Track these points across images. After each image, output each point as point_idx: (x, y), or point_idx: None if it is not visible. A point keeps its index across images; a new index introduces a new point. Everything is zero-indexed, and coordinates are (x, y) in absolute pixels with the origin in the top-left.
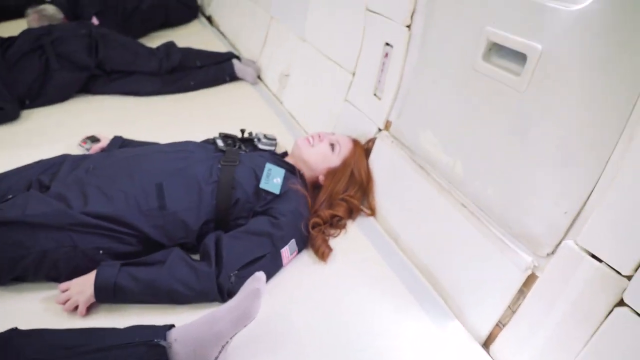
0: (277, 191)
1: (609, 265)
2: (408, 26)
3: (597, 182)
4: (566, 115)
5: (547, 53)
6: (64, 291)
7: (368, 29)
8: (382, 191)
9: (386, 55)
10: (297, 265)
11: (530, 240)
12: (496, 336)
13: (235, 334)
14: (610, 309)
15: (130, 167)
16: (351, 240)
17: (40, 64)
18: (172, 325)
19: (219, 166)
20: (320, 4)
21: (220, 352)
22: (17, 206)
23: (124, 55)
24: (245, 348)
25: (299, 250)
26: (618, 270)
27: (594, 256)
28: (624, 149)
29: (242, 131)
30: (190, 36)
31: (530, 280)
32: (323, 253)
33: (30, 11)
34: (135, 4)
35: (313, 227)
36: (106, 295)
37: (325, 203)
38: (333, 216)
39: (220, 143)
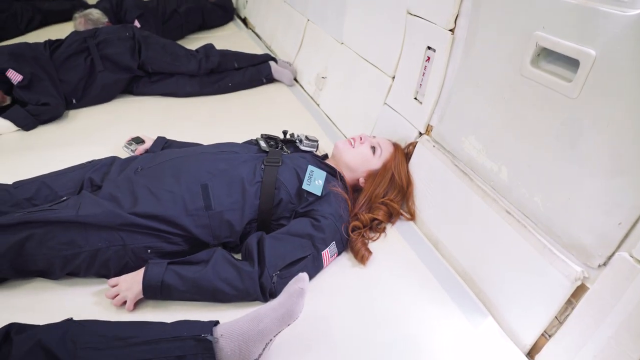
0: (319, 193)
1: None
2: (451, 30)
3: None
4: (620, 123)
5: (601, 59)
6: (113, 286)
7: (409, 32)
8: (422, 195)
9: (428, 59)
10: (337, 268)
11: (580, 251)
12: (542, 347)
13: (279, 332)
14: None
15: (176, 168)
16: (391, 244)
17: (85, 65)
18: (218, 322)
19: (263, 167)
20: (358, 7)
21: (264, 349)
22: (71, 207)
23: (165, 57)
24: (285, 346)
25: (339, 253)
26: None
27: None
28: None
29: (285, 132)
30: (226, 38)
31: (579, 291)
32: (363, 256)
33: (77, 15)
34: (173, 8)
35: (353, 231)
36: (153, 292)
37: (365, 206)
38: (373, 219)
39: (263, 144)
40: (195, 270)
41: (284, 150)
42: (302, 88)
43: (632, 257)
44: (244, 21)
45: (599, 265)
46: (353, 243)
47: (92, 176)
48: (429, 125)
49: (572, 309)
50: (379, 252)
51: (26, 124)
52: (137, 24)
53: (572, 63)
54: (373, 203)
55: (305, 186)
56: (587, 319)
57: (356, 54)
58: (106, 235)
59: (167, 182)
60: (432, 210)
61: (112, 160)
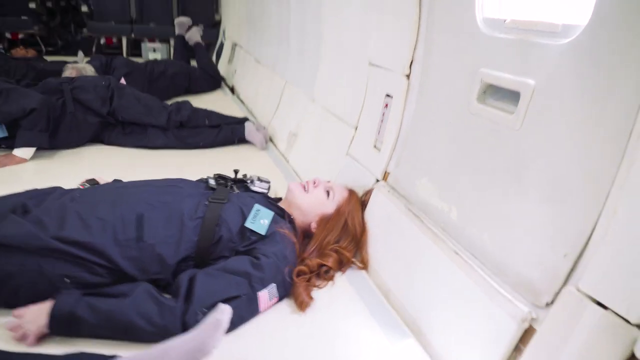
0: (263, 232)
1: (616, 313)
2: (407, 76)
3: (598, 219)
4: (562, 150)
5: (540, 89)
6: (17, 317)
7: (370, 83)
8: (376, 243)
9: (386, 106)
10: (274, 312)
11: (528, 289)
12: None
13: None
14: None
15: (115, 196)
16: (338, 293)
17: (57, 105)
18: (118, 356)
19: (207, 203)
20: (328, 64)
21: None
22: None
23: (136, 107)
24: None
25: (280, 298)
26: (626, 318)
27: (599, 303)
28: (622, 181)
29: (236, 172)
30: (211, 102)
31: (528, 335)
32: (302, 302)
33: (69, 65)
34: (161, 70)
35: (298, 275)
36: (60, 325)
37: (315, 252)
38: (321, 265)
39: (212, 182)
40: (111, 302)
41: (233, 190)
42: (275, 146)
43: (579, 291)
44: (232, 89)
45: (547, 304)
46: (295, 287)
47: (26, 202)
48: (386, 172)
49: (521, 356)
50: (324, 300)
51: (39, 140)
52: (123, 81)
53: (514, 96)
54: (324, 249)
55: (248, 224)
56: None
57: (325, 109)
58: (21, 259)
59: (101, 209)
60: (385, 258)
61: (54, 189)
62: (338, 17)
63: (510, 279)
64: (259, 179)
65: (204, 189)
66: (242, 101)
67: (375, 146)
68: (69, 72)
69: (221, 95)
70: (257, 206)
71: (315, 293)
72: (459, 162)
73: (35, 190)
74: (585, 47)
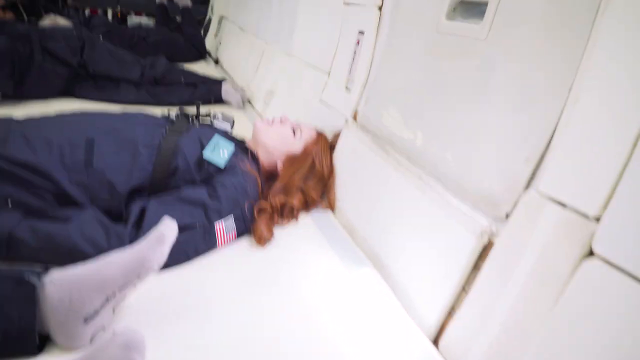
0: (221, 164)
1: (574, 210)
2: (380, 7)
3: (559, 120)
4: (527, 52)
5: None
6: None
7: (344, 23)
8: (344, 184)
9: (358, 43)
10: (231, 247)
11: (488, 203)
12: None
13: (127, 285)
14: (578, 262)
15: (64, 121)
16: (300, 231)
17: (23, 52)
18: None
19: (163, 132)
20: (305, 15)
21: (102, 305)
22: None
23: (108, 60)
24: (142, 314)
25: (239, 233)
26: (584, 212)
27: (558, 203)
28: (581, 77)
29: (198, 105)
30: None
31: (488, 250)
32: (260, 236)
33: (46, 16)
34: (143, 35)
35: (259, 212)
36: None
37: (281, 191)
38: (284, 204)
39: (172, 114)
40: (55, 226)
41: (194, 124)
42: (253, 108)
43: (538, 193)
44: (216, 61)
45: (507, 215)
46: (255, 223)
47: None
48: (356, 111)
49: (479, 273)
50: (285, 237)
51: (2, 86)
52: (100, 39)
53: (483, 9)
54: (289, 189)
55: (206, 154)
56: (494, 281)
57: (301, 61)
58: None
59: (48, 130)
60: (351, 196)
61: (6, 120)
62: None
63: (471, 195)
64: (223, 115)
65: (162, 121)
66: (225, 70)
67: (346, 87)
68: (45, 22)
69: (204, 65)
70: (217, 137)
71: (279, 231)
72: (426, 86)
73: None
74: None
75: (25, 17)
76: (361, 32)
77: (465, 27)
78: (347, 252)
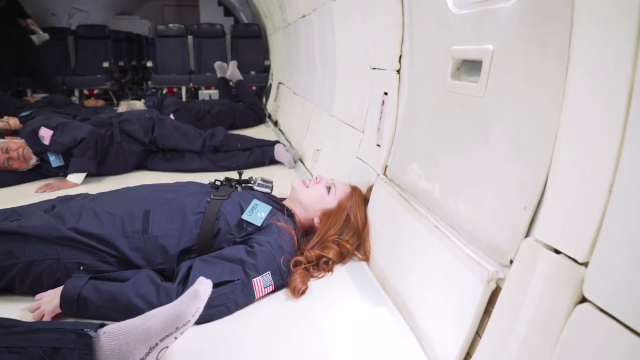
0: (258, 223)
1: (567, 256)
2: (398, 71)
3: (549, 169)
4: (516, 106)
5: (498, 53)
6: (37, 300)
7: (372, 85)
8: (377, 235)
9: (383, 103)
10: (268, 299)
11: (496, 250)
12: None
13: (167, 337)
14: (572, 308)
15: (127, 196)
16: (335, 282)
17: (105, 136)
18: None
19: (208, 200)
20: (342, 79)
21: (147, 354)
22: (18, 221)
23: (174, 135)
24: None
25: (277, 287)
26: (575, 258)
27: (553, 250)
28: (563, 127)
29: (240, 173)
30: (253, 133)
31: (496, 295)
32: (295, 287)
33: (122, 102)
34: (207, 108)
35: (295, 265)
36: (70, 305)
37: (317, 245)
38: (320, 257)
39: (217, 183)
40: (114, 285)
41: (236, 189)
42: (304, 165)
43: (535, 240)
44: (275, 123)
45: (511, 261)
46: (291, 276)
47: (55, 203)
48: (385, 165)
49: (489, 319)
50: (320, 288)
51: (88, 166)
52: (171, 116)
53: (480, 65)
54: (325, 242)
55: (245, 216)
56: (502, 326)
57: (340, 121)
58: (43, 248)
59: (112, 205)
60: (382, 247)
61: (85, 195)
62: (346, 32)
63: (482, 243)
64: (263, 180)
65: (208, 188)
66: (282, 132)
67: (377, 144)
68: (121, 108)
69: (264, 128)
70: (255, 201)
71: (314, 282)
72: (438, 141)
73: (66, 195)
74: (526, 6)
75: (115, 102)
76: (385, 93)
77: (466, 85)
78: (377, 301)
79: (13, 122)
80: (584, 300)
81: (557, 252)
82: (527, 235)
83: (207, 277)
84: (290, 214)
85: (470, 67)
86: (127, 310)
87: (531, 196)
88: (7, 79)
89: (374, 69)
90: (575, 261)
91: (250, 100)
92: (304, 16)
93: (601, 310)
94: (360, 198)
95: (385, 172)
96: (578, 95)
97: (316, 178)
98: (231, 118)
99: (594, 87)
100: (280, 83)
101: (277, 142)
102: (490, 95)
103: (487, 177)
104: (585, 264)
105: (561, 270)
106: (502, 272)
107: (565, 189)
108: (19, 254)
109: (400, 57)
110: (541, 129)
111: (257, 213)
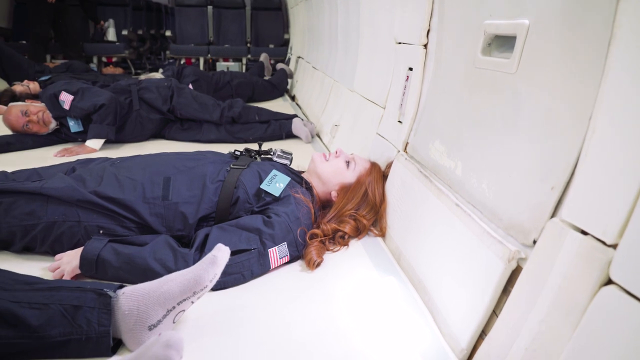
0: (277, 194)
1: (594, 237)
2: (425, 45)
3: (581, 150)
4: (552, 83)
5: (534, 27)
6: (57, 260)
7: (397, 60)
8: (394, 212)
9: (407, 79)
10: (283, 269)
11: (518, 229)
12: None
13: (185, 300)
14: (597, 289)
15: (148, 162)
16: (351, 257)
17: (124, 103)
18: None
19: (228, 168)
20: (365, 54)
21: (164, 316)
22: (40, 182)
23: (193, 105)
24: (197, 328)
25: (292, 258)
26: (603, 239)
27: (579, 230)
28: (600, 104)
29: (260, 144)
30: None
31: (516, 275)
32: (310, 259)
33: (143, 74)
34: (227, 80)
35: (311, 238)
36: (89, 266)
37: (334, 219)
38: (336, 231)
39: (237, 152)
40: (133, 248)
41: (255, 159)
42: (321, 140)
43: (561, 221)
44: (293, 98)
45: (534, 241)
46: (306, 248)
47: (75, 165)
48: (406, 142)
49: (508, 298)
50: (335, 261)
51: (107, 132)
52: (190, 87)
53: (513, 42)
54: (342, 216)
55: (263, 186)
56: (521, 306)
57: (361, 96)
58: (64, 210)
59: (133, 171)
60: (399, 223)
61: (104, 159)
62: (372, 5)
63: (504, 222)
64: (282, 151)
65: (228, 158)
66: (299, 106)
67: (399, 120)
68: (142, 77)
69: (281, 102)
70: (274, 171)
71: (329, 255)
72: (465, 118)
73: (86, 158)
74: None
75: (133, 71)
76: (410, 69)
77: (498, 62)
78: (391, 276)
79: (33, 86)
80: (609, 282)
81: (584, 233)
82: (552, 216)
83: (225, 245)
84: (309, 187)
85: (502, 42)
86: (144, 274)
87: (560, 176)
88: (44, 42)
89: (400, 43)
90: (604, 243)
91: (280, 79)
92: None
93: (628, 292)
94: (379, 174)
95: (405, 148)
96: (618, 74)
97: (336, 152)
98: (250, 91)
99: (637, 66)
100: (299, 57)
101: (295, 115)
102: (523, 73)
103: (514, 156)
104: (614, 246)
105: (587, 252)
106: (524, 252)
107: (597, 170)
108: (41, 214)
109: (429, 31)
110: (575, 109)
111: (275, 183)
